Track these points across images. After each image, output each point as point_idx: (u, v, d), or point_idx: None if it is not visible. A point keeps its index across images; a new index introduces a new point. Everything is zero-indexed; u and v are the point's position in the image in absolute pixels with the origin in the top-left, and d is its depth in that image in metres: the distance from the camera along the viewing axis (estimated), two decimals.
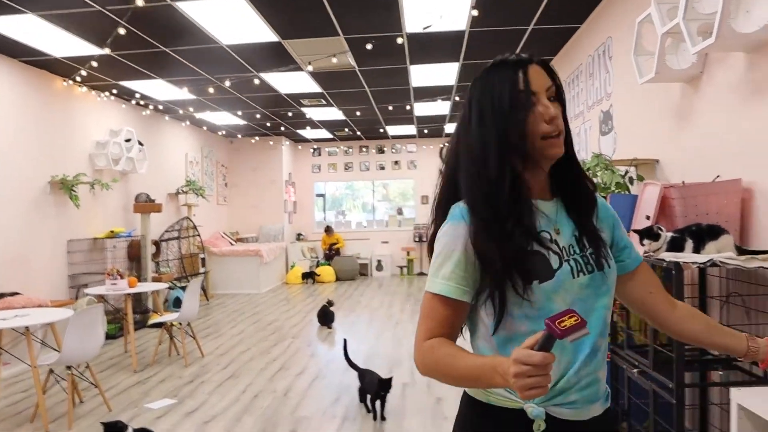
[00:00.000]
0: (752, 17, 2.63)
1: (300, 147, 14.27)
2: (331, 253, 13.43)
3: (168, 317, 5.99)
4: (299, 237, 14.11)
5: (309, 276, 12.60)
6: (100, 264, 7.66)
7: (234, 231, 12.96)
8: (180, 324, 6.06)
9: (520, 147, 1.23)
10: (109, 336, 7.11)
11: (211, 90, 7.73)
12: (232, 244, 12.01)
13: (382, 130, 12.37)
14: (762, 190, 2.73)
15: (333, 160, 14.29)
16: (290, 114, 9.99)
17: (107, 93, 7.84)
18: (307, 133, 12.48)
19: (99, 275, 7.30)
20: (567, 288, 1.23)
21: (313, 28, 5.52)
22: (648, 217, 2.92)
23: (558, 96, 1.27)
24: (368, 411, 4.36)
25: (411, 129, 12.29)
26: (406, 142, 14.02)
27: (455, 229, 1.26)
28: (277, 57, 6.37)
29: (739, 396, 1.91)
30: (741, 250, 2.52)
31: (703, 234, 2.53)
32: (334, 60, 5.99)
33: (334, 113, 10.04)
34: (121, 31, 4.73)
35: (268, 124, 11.10)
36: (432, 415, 4.30)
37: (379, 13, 5.13)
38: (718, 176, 3.03)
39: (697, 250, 2.50)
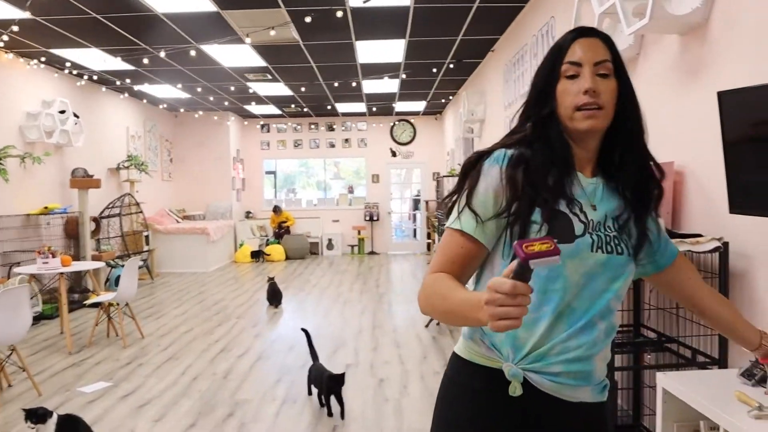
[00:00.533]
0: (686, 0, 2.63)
1: (247, 123, 13.94)
2: (281, 231, 13.26)
3: (104, 297, 5.79)
4: (248, 215, 13.87)
5: (258, 255, 12.42)
6: (35, 241, 7.36)
7: (180, 208, 12.64)
8: (117, 304, 5.86)
9: (549, 110, 1.28)
10: (46, 316, 6.87)
11: (145, 61, 7.40)
12: (178, 222, 11.71)
13: (331, 107, 12.19)
14: (693, 172, 2.76)
15: (282, 137, 14.03)
16: (234, 88, 9.72)
17: (36, 61, 7.41)
18: (255, 108, 12.19)
19: (33, 253, 7.00)
20: (583, 258, 1.22)
21: None
22: None
23: (616, 73, 1.27)
24: (321, 406, 4.09)
25: (361, 107, 12.15)
26: (356, 119, 13.87)
27: (488, 170, 1.26)
28: (216, 28, 6.13)
29: (665, 380, 1.92)
30: (671, 234, 2.54)
31: None
32: (272, 33, 5.80)
33: (281, 89, 9.82)
34: None
35: (212, 98, 10.78)
36: (373, 396, 4.29)
37: None
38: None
39: None
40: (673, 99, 2.92)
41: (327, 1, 5.31)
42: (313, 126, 13.90)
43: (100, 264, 6.42)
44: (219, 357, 5.34)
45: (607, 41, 1.30)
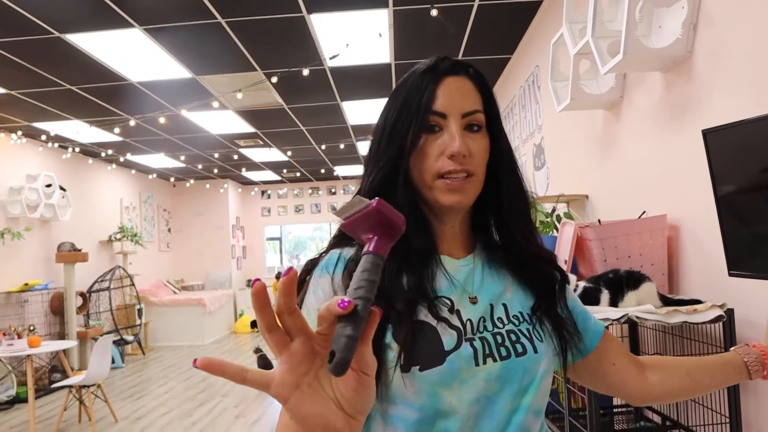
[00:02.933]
0: (664, 33, 2.33)
1: (244, 190, 13.68)
2: None
3: (72, 380, 5.39)
4: (249, 283, 13.51)
5: (255, 325, 11.99)
6: (18, 320, 7.07)
7: (179, 278, 12.33)
8: (87, 387, 5.46)
9: (403, 176, 0.91)
10: (21, 400, 6.47)
11: (116, 130, 7.20)
12: (175, 293, 11.37)
13: (327, 171, 11.99)
14: (689, 226, 2.38)
15: (283, 202, 13.80)
16: (227, 156, 9.55)
17: (16, 135, 7.23)
18: (252, 175, 12.02)
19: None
20: (464, 379, 0.83)
21: (226, 64, 5.14)
22: (565, 262, 2.54)
23: (489, 126, 0.92)
24: None
25: (361, 169, 11.91)
26: (357, 183, 13.59)
27: (317, 283, 0.88)
28: (194, 94, 5.94)
29: None
30: (666, 300, 2.15)
31: (621, 282, 2.14)
32: (239, 96, 5.56)
33: (276, 154, 9.63)
34: None
35: (204, 167, 10.60)
36: None
37: (295, 47, 4.78)
38: (644, 212, 2.69)
39: (614, 302, 2.11)
40: (661, 144, 2.57)
41: (302, 62, 5.10)
42: (313, 190, 13.68)
43: (72, 343, 6.04)
44: None
45: (478, 79, 0.94)
